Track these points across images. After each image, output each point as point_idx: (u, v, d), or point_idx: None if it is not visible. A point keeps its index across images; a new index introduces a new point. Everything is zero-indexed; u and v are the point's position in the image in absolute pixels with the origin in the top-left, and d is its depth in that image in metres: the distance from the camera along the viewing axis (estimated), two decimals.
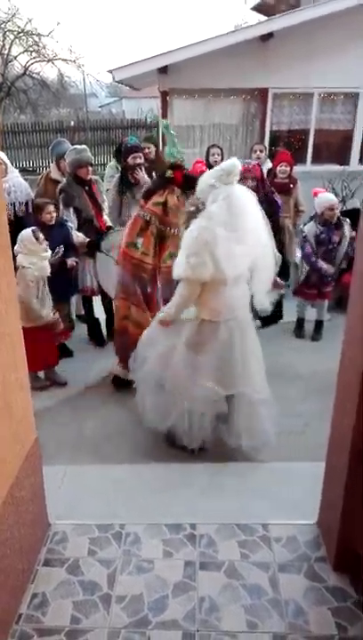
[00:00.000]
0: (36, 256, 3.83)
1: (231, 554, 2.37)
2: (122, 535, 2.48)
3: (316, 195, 4.93)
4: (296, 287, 5.05)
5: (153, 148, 5.44)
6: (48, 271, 3.92)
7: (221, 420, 3.21)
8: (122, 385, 3.95)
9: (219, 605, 2.12)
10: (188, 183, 3.60)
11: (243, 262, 2.94)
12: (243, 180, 3.99)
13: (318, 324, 5.04)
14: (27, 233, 3.81)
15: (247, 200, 2.94)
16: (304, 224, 5.01)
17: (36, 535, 2.35)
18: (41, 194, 4.98)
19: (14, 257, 3.65)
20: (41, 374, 4.18)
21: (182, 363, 3.10)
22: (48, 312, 3.92)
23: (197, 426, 3.15)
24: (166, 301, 3.42)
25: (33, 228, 3.90)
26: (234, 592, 2.18)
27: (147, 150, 5.28)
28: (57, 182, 4.93)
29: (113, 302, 4.37)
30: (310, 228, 4.82)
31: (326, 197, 4.87)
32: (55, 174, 5.06)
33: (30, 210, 4.72)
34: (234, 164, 2.90)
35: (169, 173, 3.65)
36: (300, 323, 5.12)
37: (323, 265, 4.77)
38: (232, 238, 2.82)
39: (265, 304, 3.15)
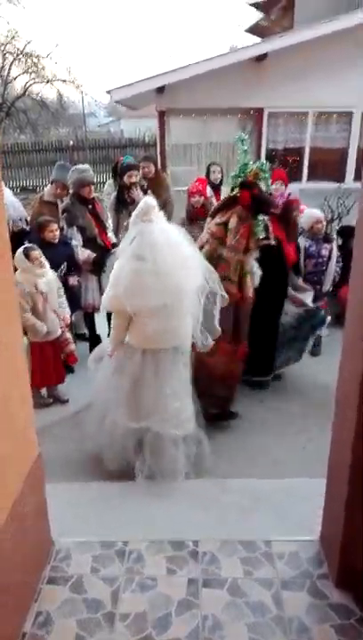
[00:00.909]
0: (30, 273, 3.85)
1: (234, 571, 2.36)
2: (125, 552, 2.47)
3: (301, 212, 5.04)
4: None
5: (152, 167, 5.52)
6: (46, 287, 3.92)
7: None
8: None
9: (222, 623, 2.11)
10: (257, 206, 3.38)
11: (159, 295, 2.91)
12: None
13: (317, 339, 5.07)
14: (18, 251, 3.83)
15: (162, 236, 2.97)
16: None
17: (39, 553, 2.35)
18: (35, 216, 4.98)
19: None
20: (43, 391, 4.20)
21: (106, 384, 3.27)
22: (53, 328, 3.96)
23: (119, 446, 3.21)
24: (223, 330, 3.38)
25: (27, 245, 3.93)
26: (237, 610, 2.17)
27: (146, 169, 5.37)
28: (50, 204, 4.97)
29: None
30: (299, 243, 4.91)
31: (313, 212, 5.02)
32: (48, 197, 5.07)
33: (23, 226, 4.79)
34: (147, 203, 2.99)
35: (236, 192, 3.40)
36: None
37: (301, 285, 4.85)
38: (144, 271, 2.88)
39: (197, 340, 3.20)
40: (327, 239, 4.91)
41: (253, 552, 2.46)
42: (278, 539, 2.55)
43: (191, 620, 2.13)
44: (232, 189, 3.48)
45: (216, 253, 3.47)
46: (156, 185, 5.34)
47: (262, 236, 3.60)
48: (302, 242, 4.88)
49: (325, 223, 5.02)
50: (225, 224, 3.43)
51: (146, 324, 2.98)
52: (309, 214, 4.95)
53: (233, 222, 3.40)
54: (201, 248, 3.47)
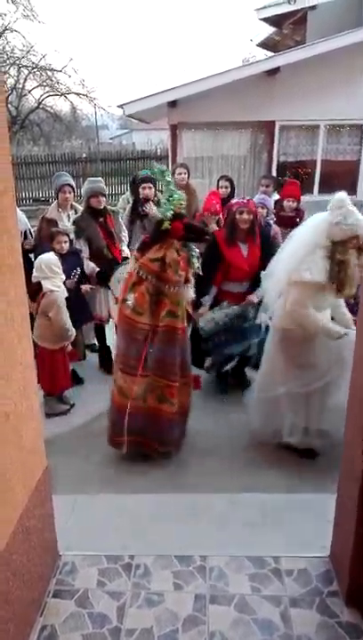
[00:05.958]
0: (59, 279, 4.00)
1: (242, 587, 2.33)
2: (132, 567, 2.45)
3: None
4: None
5: (186, 175, 5.45)
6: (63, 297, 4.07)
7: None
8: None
9: None
10: (191, 234, 3.36)
11: None
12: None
13: None
14: (48, 257, 3.98)
15: None
16: None
17: (45, 565, 2.33)
18: (38, 235, 4.92)
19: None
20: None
21: None
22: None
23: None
24: (161, 362, 3.31)
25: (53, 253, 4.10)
26: (245, 627, 2.14)
27: (181, 176, 5.35)
28: (51, 222, 4.88)
29: None
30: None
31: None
32: (52, 214, 4.98)
33: (27, 238, 4.82)
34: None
35: (166, 225, 3.24)
36: None
37: None
38: None
39: None
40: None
41: (261, 568, 2.43)
42: (287, 555, 2.50)
43: (198, 637, 2.09)
44: (160, 223, 3.29)
45: (157, 290, 3.29)
46: (187, 194, 5.32)
47: (197, 265, 3.47)
48: None
49: None
50: (162, 259, 3.27)
51: None
52: None
53: (171, 256, 3.26)
54: (134, 285, 3.30)
